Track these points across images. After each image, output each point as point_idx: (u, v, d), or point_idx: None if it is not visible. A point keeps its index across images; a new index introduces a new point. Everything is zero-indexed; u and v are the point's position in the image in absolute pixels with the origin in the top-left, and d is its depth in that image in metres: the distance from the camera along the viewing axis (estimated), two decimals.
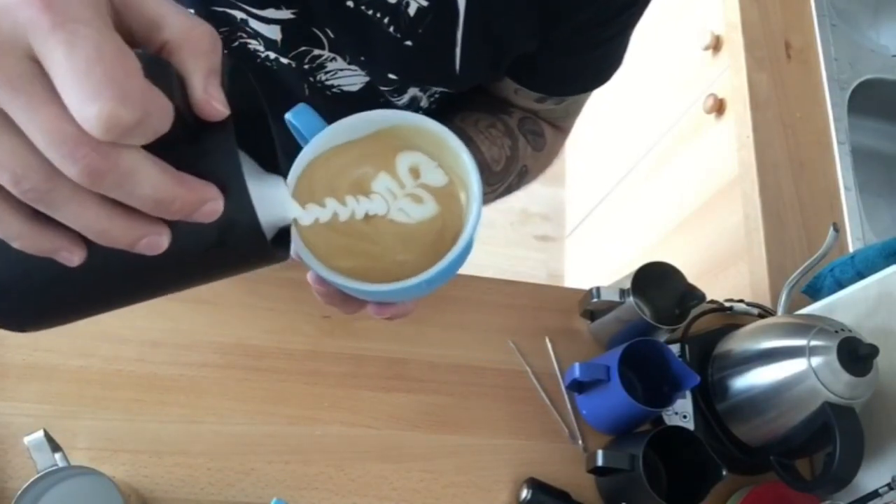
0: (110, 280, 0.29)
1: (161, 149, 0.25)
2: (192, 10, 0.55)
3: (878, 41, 1.30)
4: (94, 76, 0.22)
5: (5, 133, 0.23)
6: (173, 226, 0.26)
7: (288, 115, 0.44)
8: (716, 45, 1.26)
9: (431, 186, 0.44)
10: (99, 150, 0.23)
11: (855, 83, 1.15)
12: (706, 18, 1.33)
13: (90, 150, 0.23)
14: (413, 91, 0.63)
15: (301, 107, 0.44)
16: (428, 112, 0.67)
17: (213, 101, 0.26)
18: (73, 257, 0.26)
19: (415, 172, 0.44)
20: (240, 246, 0.29)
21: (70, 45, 0.22)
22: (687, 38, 1.42)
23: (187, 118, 0.26)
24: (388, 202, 0.42)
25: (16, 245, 0.26)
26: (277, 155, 0.34)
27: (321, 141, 0.43)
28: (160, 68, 0.25)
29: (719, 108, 1.22)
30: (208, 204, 0.26)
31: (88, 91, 0.22)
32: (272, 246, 0.30)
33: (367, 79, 0.60)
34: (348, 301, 0.44)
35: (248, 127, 0.29)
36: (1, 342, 0.68)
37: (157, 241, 0.26)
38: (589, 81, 0.67)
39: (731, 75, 1.17)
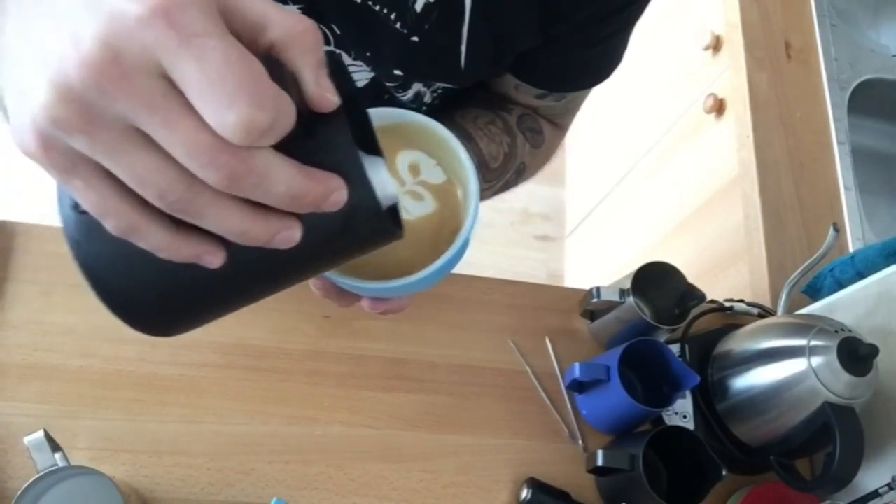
0: (246, 277, 0.31)
1: (284, 146, 0.26)
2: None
3: (878, 41, 1.30)
4: (227, 85, 0.23)
5: (145, 150, 0.24)
6: (302, 218, 0.27)
7: None
8: (716, 44, 1.26)
9: (430, 184, 0.44)
10: (237, 156, 0.24)
11: (855, 83, 1.15)
12: (706, 18, 1.33)
13: (230, 157, 0.24)
14: (417, 87, 0.63)
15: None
16: (431, 107, 0.68)
17: (326, 94, 0.27)
18: (214, 260, 0.28)
19: (414, 170, 0.45)
20: (363, 229, 0.30)
21: (199, 59, 0.23)
22: (687, 37, 1.42)
23: (303, 113, 0.27)
24: None
25: (162, 255, 0.27)
26: (375, 136, 0.35)
27: None
28: (274, 68, 0.26)
29: (719, 107, 1.22)
30: (335, 194, 0.27)
31: (224, 100, 0.23)
32: (392, 224, 0.31)
33: (371, 75, 0.61)
34: (344, 295, 0.45)
35: (349, 112, 0.30)
36: (1, 342, 0.68)
37: (291, 235, 0.27)
38: (589, 78, 0.67)
39: (731, 75, 1.17)
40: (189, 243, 0.27)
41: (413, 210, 0.43)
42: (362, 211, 0.29)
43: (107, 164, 0.25)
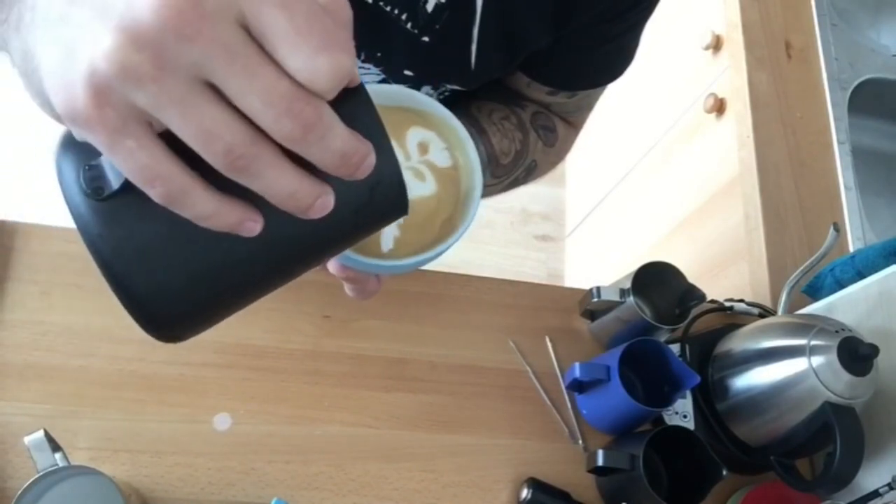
0: (277, 253, 0.30)
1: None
2: None
3: (879, 41, 1.30)
4: (316, 32, 0.24)
5: (214, 104, 0.24)
6: (335, 186, 0.27)
7: None
8: (716, 44, 1.26)
9: (435, 166, 0.44)
10: (313, 104, 0.24)
11: (855, 83, 1.15)
12: (707, 18, 1.33)
13: (305, 105, 0.24)
14: (426, 88, 0.63)
15: None
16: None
17: (354, 68, 0.27)
18: (256, 226, 0.27)
19: (423, 148, 0.44)
20: (386, 200, 0.30)
21: (285, 7, 0.23)
22: (687, 37, 1.42)
23: None
24: None
25: (207, 224, 0.26)
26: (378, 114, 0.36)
27: None
28: None
29: (720, 107, 1.22)
30: (370, 157, 0.27)
31: (315, 45, 0.23)
32: (406, 199, 0.31)
33: (380, 77, 0.61)
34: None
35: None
36: (1, 342, 0.68)
37: (328, 201, 0.27)
38: (600, 76, 0.68)
39: (731, 75, 1.17)
40: (234, 209, 0.26)
41: (412, 188, 0.43)
42: (387, 181, 0.29)
43: (171, 117, 0.24)
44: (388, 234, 0.42)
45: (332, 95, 0.25)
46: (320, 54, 0.23)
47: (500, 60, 0.60)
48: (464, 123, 0.61)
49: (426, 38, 0.56)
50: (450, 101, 0.68)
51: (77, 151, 0.28)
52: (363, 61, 0.59)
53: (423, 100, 0.45)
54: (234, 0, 0.23)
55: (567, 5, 0.57)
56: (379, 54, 0.58)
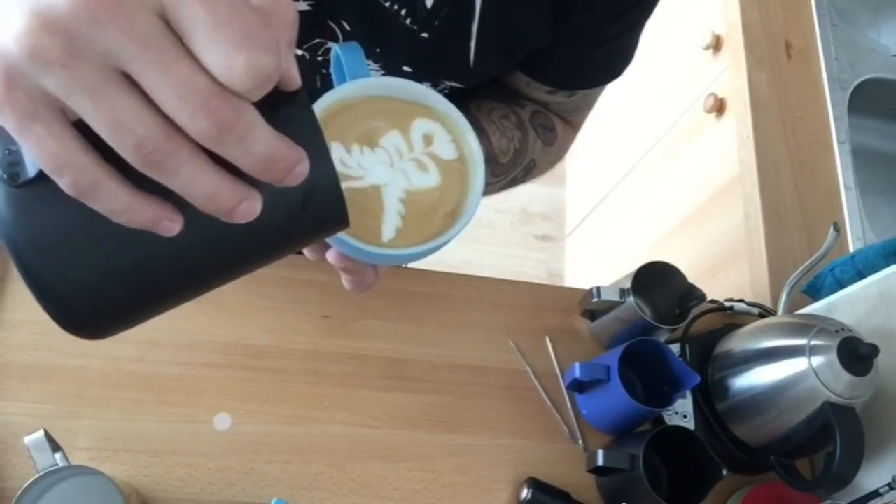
0: (198, 256, 0.29)
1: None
2: None
3: (879, 41, 1.30)
4: (236, 28, 0.23)
5: (128, 93, 0.23)
6: (263, 191, 0.26)
7: (337, 47, 0.44)
8: (716, 44, 1.26)
9: (439, 158, 0.44)
10: (230, 103, 0.23)
11: (855, 83, 1.15)
12: (707, 18, 1.33)
13: (223, 103, 0.23)
14: (425, 85, 0.63)
15: (353, 45, 0.44)
16: None
17: (292, 71, 0.27)
18: (174, 226, 0.26)
19: (427, 140, 0.44)
20: (322, 210, 0.29)
21: (207, 1, 0.22)
22: (687, 37, 1.42)
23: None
24: (392, 160, 0.42)
25: (120, 219, 0.25)
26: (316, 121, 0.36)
27: (353, 88, 0.43)
28: None
29: (720, 107, 1.22)
30: (300, 164, 0.26)
31: (235, 42, 0.22)
32: (345, 210, 0.30)
33: (380, 73, 0.61)
34: (319, 248, 0.44)
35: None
36: (1, 342, 0.68)
37: (253, 206, 0.26)
38: (599, 76, 0.67)
39: (731, 75, 1.17)
40: (149, 205, 0.25)
41: (415, 179, 0.43)
42: (322, 190, 0.28)
43: (82, 105, 0.23)
44: (390, 224, 0.42)
45: (254, 96, 0.24)
46: (239, 52, 0.22)
47: (499, 59, 0.60)
48: None
49: (425, 35, 0.56)
50: (449, 99, 0.69)
51: (1, 135, 0.26)
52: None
53: (428, 93, 0.45)
54: None
55: (566, 5, 0.57)
56: (378, 50, 0.58)
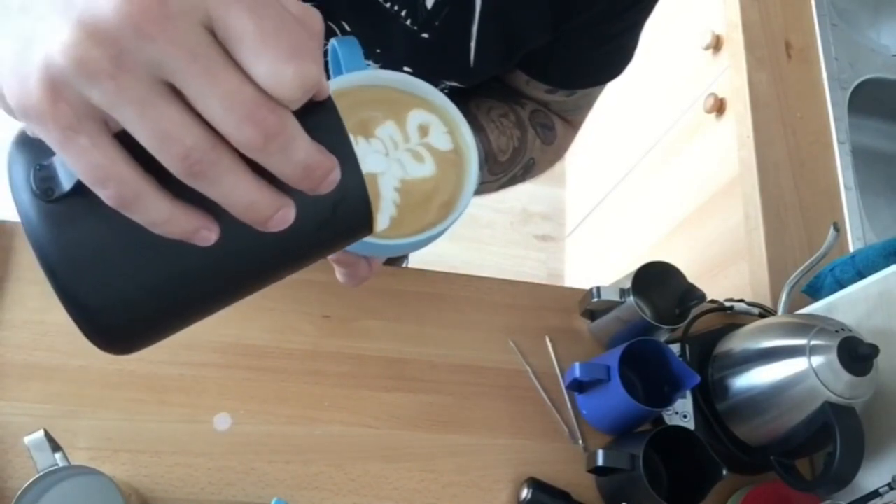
0: (234, 266, 0.29)
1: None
2: None
3: (879, 41, 1.30)
4: (285, 40, 0.23)
5: (175, 104, 0.23)
6: (296, 199, 0.26)
7: (334, 41, 0.44)
8: (716, 44, 1.26)
9: (435, 148, 0.44)
10: (276, 113, 0.24)
11: (855, 83, 1.15)
12: (707, 18, 1.33)
13: (269, 113, 0.23)
14: None
15: (351, 39, 0.44)
16: None
17: (323, 80, 0.27)
18: (211, 235, 0.26)
19: (423, 131, 0.44)
20: (350, 217, 0.29)
21: (254, 11, 0.23)
22: (687, 37, 1.42)
23: None
24: (387, 149, 0.42)
25: (159, 230, 0.25)
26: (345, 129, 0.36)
27: (349, 79, 0.43)
28: None
29: (720, 107, 1.22)
30: (334, 172, 0.26)
31: (283, 53, 0.23)
32: (371, 218, 0.30)
33: None
34: None
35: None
36: (1, 342, 0.68)
37: (288, 214, 0.26)
38: (599, 75, 0.67)
39: (731, 75, 1.17)
40: (188, 215, 0.25)
41: (411, 169, 0.43)
42: (351, 198, 0.28)
43: (129, 117, 0.23)
44: (385, 213, 0.42)
45: (297, 105, 0.24)
46: (288, 62, 0.23)
47: (499, 58, 0.60)
48: None
49: (425, 35, 0.56)
50: (448, 98, 0.69)
51: (30, 150, 0.26)
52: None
53: (423, 85, 0.45)
54: (201, 1, 0.22)
55: (566, 4, 0.57)
56: (378, 50, 0.58)
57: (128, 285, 0.27)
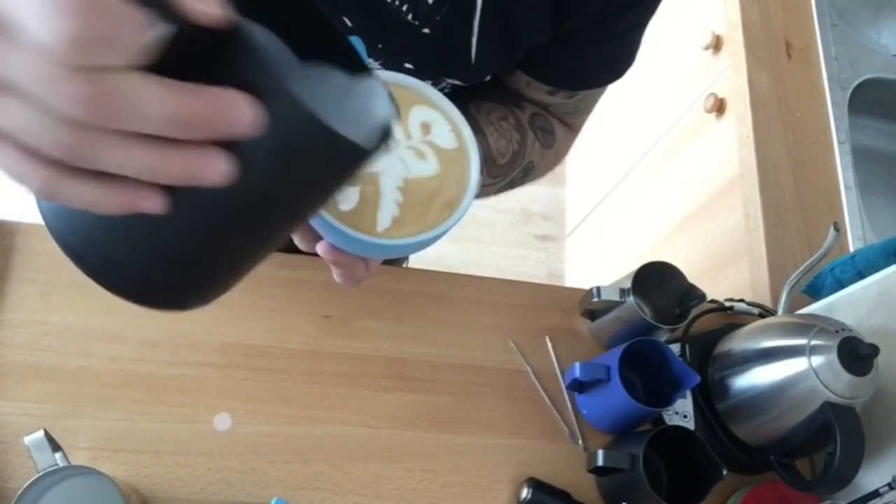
0: (216, 224, 0.28)
1: (171, 68, 0.23)
2: None
3: (879, 41, 1.30)
4: (45, 3, 0.21)
5: (16, 101, 0.22)
6: (236, 148, 0.25)
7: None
8: (716, 44, 1.26)
9: (438, 146, 0.43)
10: (86, 79, 0.22)
11: (855, 83, 1.15)
12: (707, 18, 1.33)
13: (74, 83, 0.21)
14: (426, 83, 0.64)
15: (355, 39, 0.44)
16: None
17: (201, 6, 0.23)
18: (152, 204, 0.25)
19: (425, 128, 0.44)
20: (315, 149, 0.27)
21: None
22: (687, 37, 1.42)
23: (189, 28, 0.24)
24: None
25: (99, 210, 0.25)
26: (361, 59, 0.33)
27: None
28: None
29: (720, 107, 1.22)
30: (236, 109, 0.24)
31: (43, 14, 0.21)
32: (352, 139, 0.28)
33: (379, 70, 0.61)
34: (307, 232, 0.43)
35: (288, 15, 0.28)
36: (1, 342, 0.68)
37: (216, 167, 0.24)
38: (600, 76, 0.67)
39: (731, 75, 1.17)
40: (117, 191, 0.24)
41: (413, 167, 0.42)
42: (297, 126, 0.26)
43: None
44: (387, 212, 0.41)
45: (109, 60, 0.22)
46: (50, 25, 0.21)
47: (500, 55, 0.60)
48: None
49: (427, 30, 0.56)
50: (449, 98, 0.68)
51: None
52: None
53: (423, 86, 0.45)
54: None
55: (566, 2, 0.57)
56: (380, 46, 0.58)
57: (133, 253, 0.29)
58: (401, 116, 0.43)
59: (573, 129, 0.76)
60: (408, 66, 0.59)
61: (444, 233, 0.42)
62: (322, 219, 0.39)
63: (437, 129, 0.44)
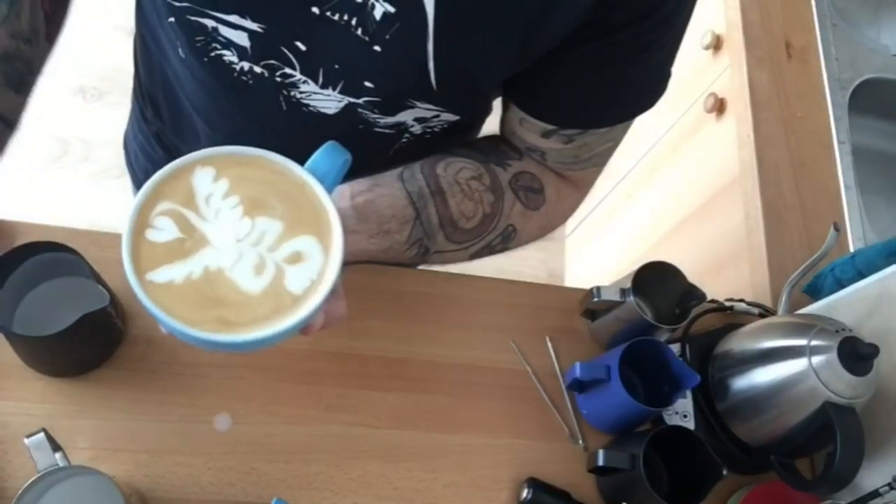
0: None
1: None
2: (171, 19, 0.56)
3: (879, 41, 1.30)
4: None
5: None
6: None
7: (323, 148, 0.50)
8: (716, 44, 1.26)
9: (282, 278, 0.47)
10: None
11: (855, 83, 1.15)
12: (707, 18, 1.33)
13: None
14: (404, 116, 0.60)
15: (331, 146, 0.49)
16: (421, 142, 0.64)
17: None
18: None
19: (295, 257, 0.47)
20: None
21: None
22: (688, 37, 1.41)
23: None
24: (245, 242, 0.47)
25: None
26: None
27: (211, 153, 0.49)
28: None
29: (720, 107, 1.22)
30: None
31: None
32: None
33: (343, 102, 0.58)
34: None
35: None
36: (1, 342, 0.68)
37: None
38: (600, 112, 0.61)
39: (731, 74, 1.17)
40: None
41: (241, 279, 0.46)
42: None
43: None
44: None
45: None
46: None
47: (463, 82, 0.56)
48: (419, 182, 0.61)
49: (377, 48, 0.53)
50: (431, 145, 0.64)
51: None
52: (321, 86, 0.57)
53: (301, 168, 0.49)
54: None
55: (534, 31, 0.52)
56: (336, 66, 0.55)
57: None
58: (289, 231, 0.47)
59: (577, 185, 0.70)
60: (367, 84, 0.56)
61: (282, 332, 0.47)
62: (171, 324, 0.44)
63: (300, 268, 0.47)
